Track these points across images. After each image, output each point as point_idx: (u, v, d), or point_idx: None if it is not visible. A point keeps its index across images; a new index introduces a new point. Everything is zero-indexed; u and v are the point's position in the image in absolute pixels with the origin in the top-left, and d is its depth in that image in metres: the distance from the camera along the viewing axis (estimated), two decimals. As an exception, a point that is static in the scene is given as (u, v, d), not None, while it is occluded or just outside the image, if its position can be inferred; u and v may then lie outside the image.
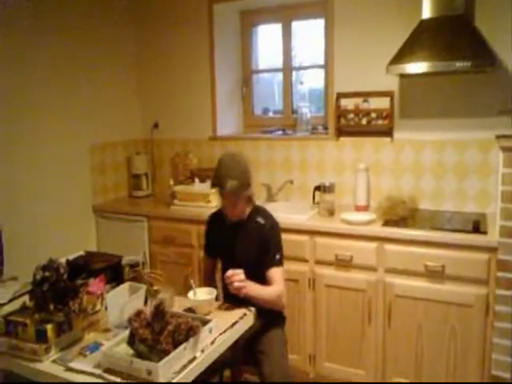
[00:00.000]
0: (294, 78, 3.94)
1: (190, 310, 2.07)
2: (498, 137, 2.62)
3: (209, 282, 2.56)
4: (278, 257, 2.35)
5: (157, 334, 1.68)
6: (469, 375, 2.65)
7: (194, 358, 1.71)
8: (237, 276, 2.12)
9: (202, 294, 2.13)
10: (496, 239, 2.53)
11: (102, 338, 1.86)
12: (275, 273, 2.32)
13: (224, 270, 2.49)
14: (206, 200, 3.42)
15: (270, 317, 2.39)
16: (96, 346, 1.79)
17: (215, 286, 2.42)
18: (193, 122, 4.02)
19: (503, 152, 2.51)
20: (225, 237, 2.48)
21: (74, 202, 3.59)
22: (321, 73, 3.76)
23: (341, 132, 3.45)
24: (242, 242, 2.41)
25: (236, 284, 2.10)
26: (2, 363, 1.83)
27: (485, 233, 2.65)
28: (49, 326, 1.75)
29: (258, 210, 2.48)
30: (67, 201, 3.51)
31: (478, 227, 2.69)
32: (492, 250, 2.55)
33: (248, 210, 2.45)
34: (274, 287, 2.29)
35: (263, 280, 2.30)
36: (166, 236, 3.47)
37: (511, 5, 2.85)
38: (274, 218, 2.47)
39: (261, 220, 2.42)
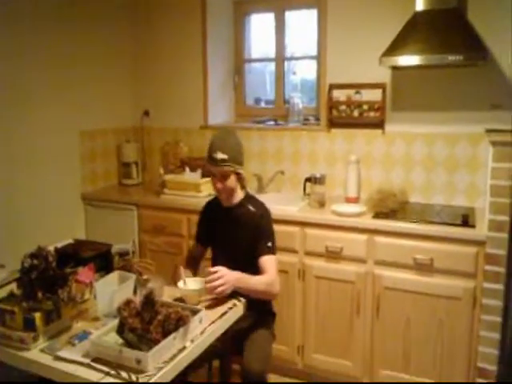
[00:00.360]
0: (286, 68, 3.92)
1: (180, 299, 2.06)
2: (488, 131, 2.64)
3: (191, 267, 2.50)
4: (269, 244, 2.34)
5: (146, 324, 1.67)
6: (455, 367, 2.67)
7: (184, 348, 1.70)
8: (216, 281, 2.06)
9: (192, 284, 2.12)
10: (484, 233, 2.56)
11: (91, 326, 1.85)
12: (266, 261, 2.30)
13: (215, 259, 2.49)
14: (196, 189, 3.41)
15: (259, 316, 2.39)
16: (85, 335, 1.77)
17: (198, 274, 2.42)
18: (184, 110, 3.99)
19: (493, 146, 2.53)
20: (217, 224, 2.48)
21: (63, 189, 3.55)
22: (313, 63, 3.75)
23: (332, 123, 3.44)
24: (234, 229, 2.40)
25: (219, 289, 2.05)
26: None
27: (473, 226, 2.67)
28: (37, 315, 1.74)
29: (250, 198, 2.48)
30: (55, 188, 3.47)
31: (466, 221, 2.71)
32: (480, 243, 2.57)
33: (240, 195, 2.44)
34: (265, 276, 2.26)
35: (255, 267, 2.29)
36: (156, 225, 3.45)
37: (504, -1, 2.86)
38: (264, 206, 2.47)
39: (251, 208, 2.41)
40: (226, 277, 2.08)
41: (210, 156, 2.32)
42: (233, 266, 2.18)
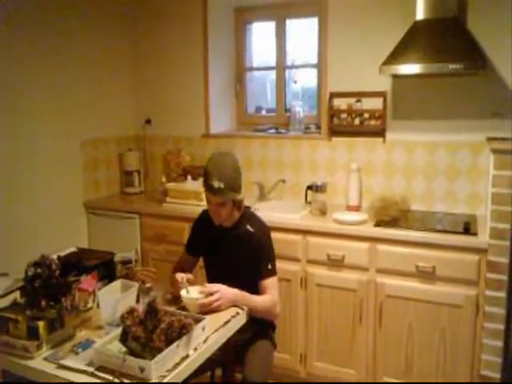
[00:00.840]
0: (286, 76, 3.94)
1: (182, 308, 2.06)
2: (489, 139, 2.65)
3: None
4: (270, 267, 2.28)
5: (150, 332, 1.67)
6: (458, 375, 2.67)
7: (187, 356, 1.70)
8: (212, 295, 2.06)
9: (195, 292, 2.12)
10: (486, 241, 2.56)
11: (94, 335, 1.85)
12: (268, 284, 2.26)
13: (211, 277, 2.43)
14: (198, 198, 3.41)
15: (260, 327, 2.36)
16: (88, 344, 1.77)
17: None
18: (185, 118, 4.01)
19: (494, 154, 2.54)
20: (212, 239, 2.39)
21: (65, 197, 3.56)
22: (314, 72, 3.76)
23: (333, 132, 3.46)
24: (232, 250, 2.33)
25: (214, 304, 2.04)
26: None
27: (475, 234, 2.67)
28: (41, 323, 1.74)
29: (248, 217, 2.39)
30: (58, 197, 3.48)
31: (468, 229, 2.71)
32: (482, 251, 2.57)
33: (237, 215, 2.36)
34: (267, 297, 2.24)
35: (254, 287, 2.26)
36: (158, 233, 3.46)
37: (503, 8, 2.87)
38: (264, 224, 2.40)
39: (250, 228, 2.32)
40: (222, 291, 2.08)
41: (206, 183, 2.22)
42: (230, 285, 2.15)
